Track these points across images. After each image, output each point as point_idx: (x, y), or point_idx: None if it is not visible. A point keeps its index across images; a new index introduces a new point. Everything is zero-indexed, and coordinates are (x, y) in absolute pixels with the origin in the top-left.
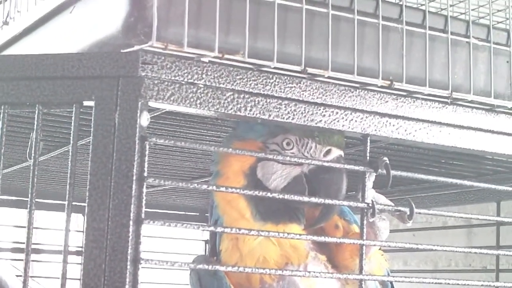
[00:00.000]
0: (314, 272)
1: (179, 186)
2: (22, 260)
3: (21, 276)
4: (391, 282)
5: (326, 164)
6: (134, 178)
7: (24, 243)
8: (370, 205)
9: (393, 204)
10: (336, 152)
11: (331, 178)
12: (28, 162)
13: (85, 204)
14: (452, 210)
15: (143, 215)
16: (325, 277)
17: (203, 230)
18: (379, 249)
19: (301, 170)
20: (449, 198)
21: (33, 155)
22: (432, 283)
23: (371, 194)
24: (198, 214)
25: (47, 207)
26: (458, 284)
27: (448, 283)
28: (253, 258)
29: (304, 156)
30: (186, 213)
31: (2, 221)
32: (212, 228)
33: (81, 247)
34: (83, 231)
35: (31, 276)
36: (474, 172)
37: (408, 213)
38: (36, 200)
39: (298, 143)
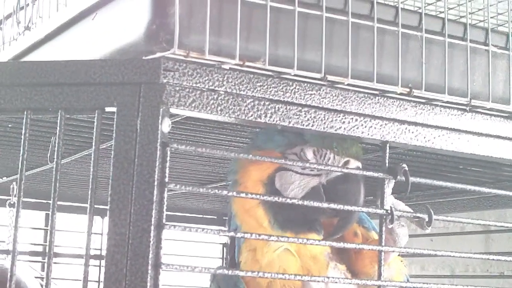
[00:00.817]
0: (333, 277)
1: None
2: (39, 262)
3: (39, 277)
4: None
5: (345, 171)
6: (156, 183)
7: (41, 245)
8: (389, 211)
9: (411, 211)
10: (354, 164)
11: (348, 189)
12: (48, 166)
13: (103, 207)
14: (470, 216)
15: (164, 220)
16: (344, 283)
17: (223, 235)
18: (398, 255)
19: (319, 181)
20: (467, 204)
21: (55, 159)
22: None
23: (390, 200)
24: (216, 217)
25: (64, 209)
26: None
27: None
28: (272, 269)
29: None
30: (204, 216)
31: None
32: (232, 234)
33: (99, 249)
34: (101, 234)
35: (54, 278)
36: (492, 179)
37: (427, 219)
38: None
39: (316, 154)
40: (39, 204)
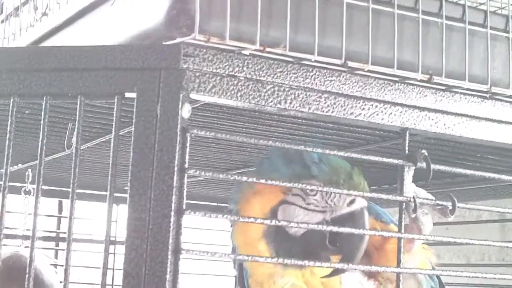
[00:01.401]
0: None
1: (212, 177)
2: (52, 249)
3: (53, 265)
4: (437, 277)
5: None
6: (176, 169)
7: (55, 232)
8: (411, 199)
9: (434, 198)
10: (360, 203)
11: (353, 228)
12: (63, 152)
13: (118, 194)
14: (485, 204)
15: (184, 206)
16: (361, 269)
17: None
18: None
19: (323, 218)
20: (484, 193)
21: (75, 145)
22: (470, 277)
23: (411, 188)
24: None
25: (79, 197)
26: (494, 278)
27: (485, 277)
28: None
29: (327, 203)
30: (218, 204)
31: (32, 210)
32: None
33: (113, 237)
34: (115, 221)
35: (73, 266)
36: (510, 167)
37: (451, 207)
38: (69, 189)
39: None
40: (53, 192)
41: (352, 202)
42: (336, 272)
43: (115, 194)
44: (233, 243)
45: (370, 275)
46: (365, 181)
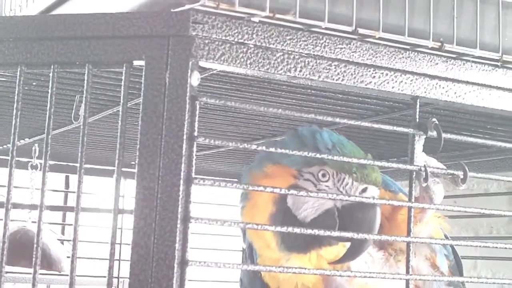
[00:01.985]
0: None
1: (217, 150)
2: (59, 224)
3: (60, 240)
4: (452, 246)
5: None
6: (185, 137)
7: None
8: (423, 169)
9: (445, 167)
10: (372, 191)
11: (364, 218)
12: (71, 125)
13: (126, 169)
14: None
15: (193, 174)
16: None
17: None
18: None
19: (334, 204)
20: (492, 165)
21: (83, 115)
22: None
23: (422, 157)
24: (236, 180)
25: (85, 172)
26: (505, 248)
27: (495, 247)
28: (291, 285)
29: (339, 191)
30: (224, 178)
31: (39, 186)
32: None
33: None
34: (122, 196)
35: (80, 241)
36: None
37: (462, 176)
38: (76, 165)
39: (334, 176)
40: (59, 166)
41: (364, 190)
42: (344, 259)
43: (124, 169)
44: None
45: (381, 246)
46: (377, 171)
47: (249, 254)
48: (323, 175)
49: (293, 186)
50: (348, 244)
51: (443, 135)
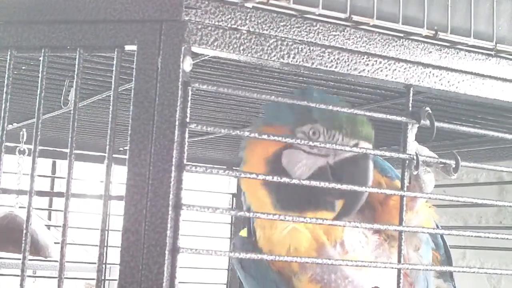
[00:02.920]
0: (349, 223)
1: (208, 137)
2: (46, 209)
3: (48, 225)
4: (443, 239)
5: (355, 151)
6: (177, 123)
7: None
8: (414, 157)
9: (437, 156)
10: (364, 146)
11: (356, 172)
12: (60, 110)
13: (115, 155)
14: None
15: (185, 161)
16: (363, 227)
17: (242, 176)
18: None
19: (327, 161)
20: (482, 155)
21: (74, 100)
22: (470, 236)
23: (414, 146)
24: (226, 166)
25: (76, 157)
26: (496, 238)
27: (487, 237)
28: (284, 248)
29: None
30: (214, 165)
31: (26, 171)
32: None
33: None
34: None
35: (70, 227)
36: (510, 128)
37: (454, 166)
38: (64, 150)
39: (325, 133)
40: (46, 152)
41: (355, 145)
42: (340, 215)
43: (114, 156)
44: (241, 188)
45: (376, 230)
46: (369, 126)
47: (247, 221)
48: (314, 133)
49: (287, 145)
50: None
51: (436, 124)
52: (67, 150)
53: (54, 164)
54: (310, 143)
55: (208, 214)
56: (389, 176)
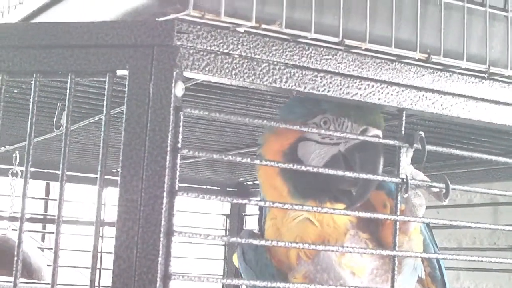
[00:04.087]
0: (345, 247)
1: (202, 159)
2: (39, 231)
3: (41, 248)
4: (438, 262)
5: (361, 138)
6: (169, 148)
7: (41, 214)
8: (405, 180)
9: (430, 181)
10: (372, 131)
11: (366, 157)
12: (52, 133)
13: (108, 177)
14: (478, 187)
15: (177, 187)
16: (357, 252)
17: (235, 202)
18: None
19: (338, 149)
20: (476, 176)
21: (65, 124)
22: (464, 260)
23: (409, 169)
24: (219, 188)
25: (69, 179)
26: (488, 261)
27: (487, 261)
28: (291, 237)
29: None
30: (207, 187)
31: (19, 193)
32: (245, 201)
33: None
34: (103, 204)
35: (62, 249)
36: (503, 150)
37: (444, 190)
38: (57, 172)
39: (335, 122)
40: (40, 174)
41: (364, 131)
42: (354, 201)
43: (106, 177)
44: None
45: (378, 242)
46: (378, 112)
47: (260, 215)
48: (325, 123)
49: (301, 138)
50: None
51: (427, 147)
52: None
53: (47, 186)
54: (316, 130)
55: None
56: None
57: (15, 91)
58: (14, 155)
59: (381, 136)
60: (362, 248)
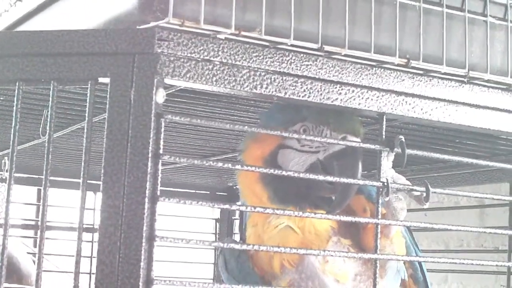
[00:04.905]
0: (328, 251)
1: (191, 164)
2: (31, 237)
3: (31, 253)
4: (419, 263)
5: (341, 143)
6: (150, 155)
7: (33, 220)
8: (385, 184)
9: (410, 184)
10: (351, 139)
11: (345, 165)
12: (40, 140)
13: (96, 182)
14: (465, 190)
15: (158, 193)
16: (339, 256)
17: (217, 207)
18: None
19: (317, 158)
20: (462, 178)
21: (48, 131)
22: (449, 263)
23: (390, 173)
24: (208, 192)
25: (57, 185)
26: (472, 264)
27: (472, 263)
28: (273, 245)
29: (320, 143)
30: (197, 191)
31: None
32: (226, 206)
33: (91, 225)
34: (93, 209)
35: (46, 254)
36: (488, 152)
37: (424, 194)
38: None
39: (314, 130)
40: (30, 179)
41: (343, 139)
42: (333, 208)
43: (94, 182)
44: (238, 188)
45: (360, 247)
46: (357, 120)
47: (240, 221)
48: (304, 131)
49: (281, 145)
50: None
51: (408, 151)
52: (53, 178)
53: (39, 192)
54: (295, 135)
55: (192, 237)
56: (375, 202)
57: (1, 98)
58: (3, 161)
59: (360, 141)
60: (344, 252)
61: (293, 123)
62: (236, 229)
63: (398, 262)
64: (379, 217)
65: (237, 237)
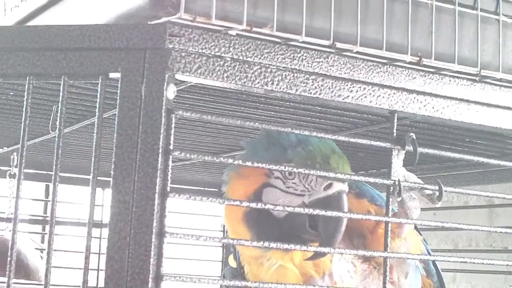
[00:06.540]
0: (337, 251)
1: (199, 161)
2: (39, 233)
3: (39, 249)
4: (433, 262)
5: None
6: (160, 151)
7: (41, 216)
8: (397, 183)
9: (423, 183)
10: (337, 187)
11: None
12: (49, 135)
13: (104, 178)
14: (474, 190)
15: (168, 189)
16: (348, 254)
17: (227, 204)
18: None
19: (302, 201)
20: (472, 178)
21: (58, 127)
22: (458, 262)
23: (401, 172)
24: (217, 190)
25: (66, 181)
26: (482, 263)
27: (482, 263)
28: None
29: (305, 187)
30: (205, 188)
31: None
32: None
33: (99, 221)
34: (101, 205)
35: (55, 250)
36: (498, 152)
37: (437, 193)
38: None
39: (299, 173)
40: (39, 175)
41: (328, 186)
42: (317, 255)
43: (102, 178)
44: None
45: (365, 258)
46: (346, 166)
47: (234, 254)
48: (289, 173)
49: (265, 184)
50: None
51: (420, 149)
52: (62, 174)
53: (47, 187)
54: (285, 168)
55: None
56: (378, 204)
57: (11, 93)
58: (12, 156)
59: (346, 191)
60: (352, 250)
61: (278, 163)
62: None
63: (416, 262)
64: (390, 215)
65: None
